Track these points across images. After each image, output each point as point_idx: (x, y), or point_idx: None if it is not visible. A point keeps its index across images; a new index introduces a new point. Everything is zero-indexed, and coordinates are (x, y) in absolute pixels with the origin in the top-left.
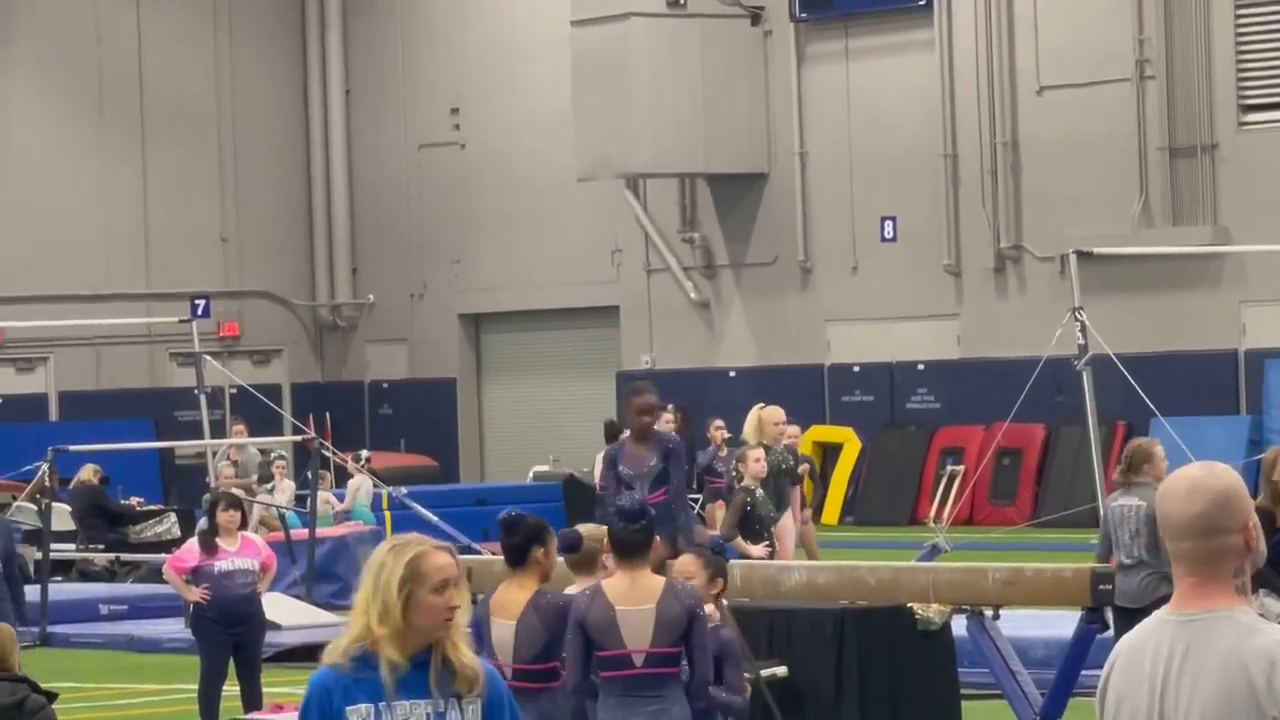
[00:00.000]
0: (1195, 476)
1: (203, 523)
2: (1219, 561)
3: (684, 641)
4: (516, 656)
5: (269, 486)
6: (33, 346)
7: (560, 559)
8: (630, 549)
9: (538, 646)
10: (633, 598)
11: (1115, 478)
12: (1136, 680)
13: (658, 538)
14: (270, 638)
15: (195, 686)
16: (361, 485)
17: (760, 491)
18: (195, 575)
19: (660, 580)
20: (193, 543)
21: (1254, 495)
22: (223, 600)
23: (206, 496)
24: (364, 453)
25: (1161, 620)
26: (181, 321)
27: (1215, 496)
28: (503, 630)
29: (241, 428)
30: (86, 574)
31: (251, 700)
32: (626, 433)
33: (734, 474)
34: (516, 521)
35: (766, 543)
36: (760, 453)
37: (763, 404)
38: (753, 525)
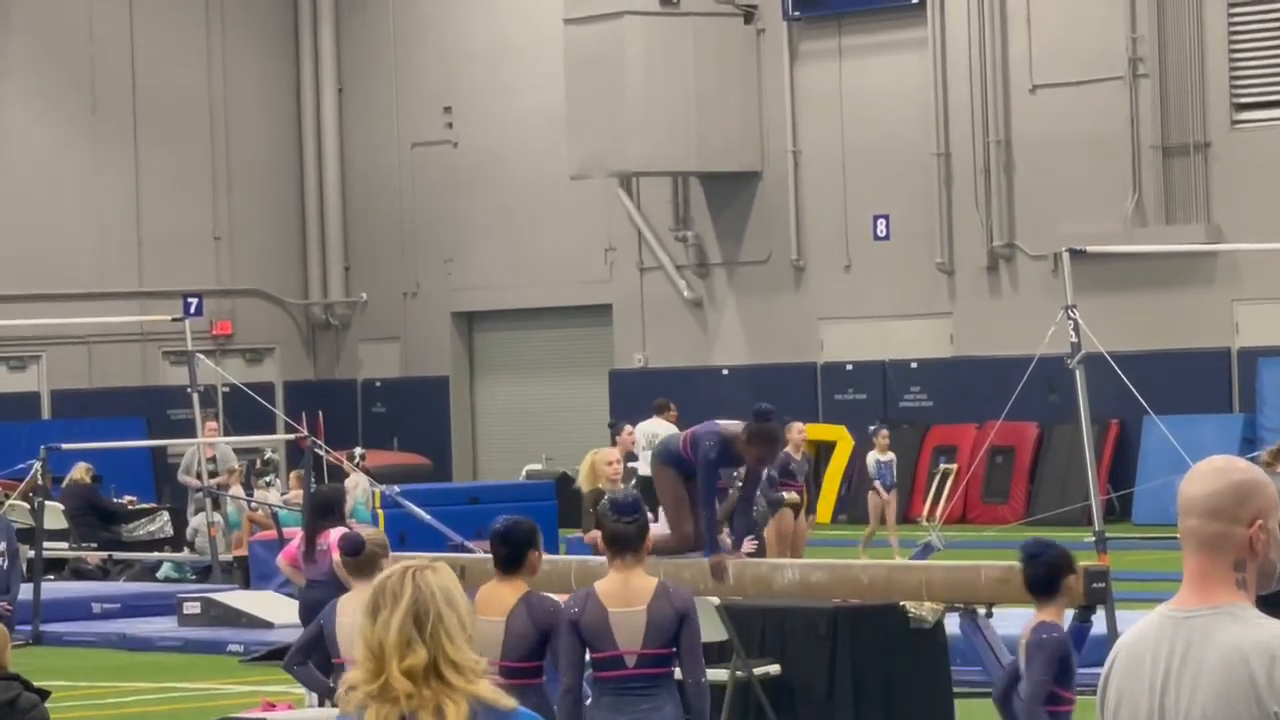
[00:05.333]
0: (1221, 463)
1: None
2: (1218, 548)
3: (675, 643)
4: (505, 655)
5: (266, 481)
6: (25, 345)
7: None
8: (623, 542)
9: (526, 647)
10: (624, 599)
11: (1263, 458)
12: (1136, 677)
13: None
14: (262, 636)
15: (186, 685)
16: (358, 484)
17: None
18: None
19: (652, 581)
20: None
21: None
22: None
23: (199, 494)
24: (359, 450)
25: (1163, 616)
26: (174, 320)
27: (1233, 482)
28: (490, 627)
29: (214, 425)
30: (79, 572)
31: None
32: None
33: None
34: (511, 528)
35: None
36: None
37: (596, 449)
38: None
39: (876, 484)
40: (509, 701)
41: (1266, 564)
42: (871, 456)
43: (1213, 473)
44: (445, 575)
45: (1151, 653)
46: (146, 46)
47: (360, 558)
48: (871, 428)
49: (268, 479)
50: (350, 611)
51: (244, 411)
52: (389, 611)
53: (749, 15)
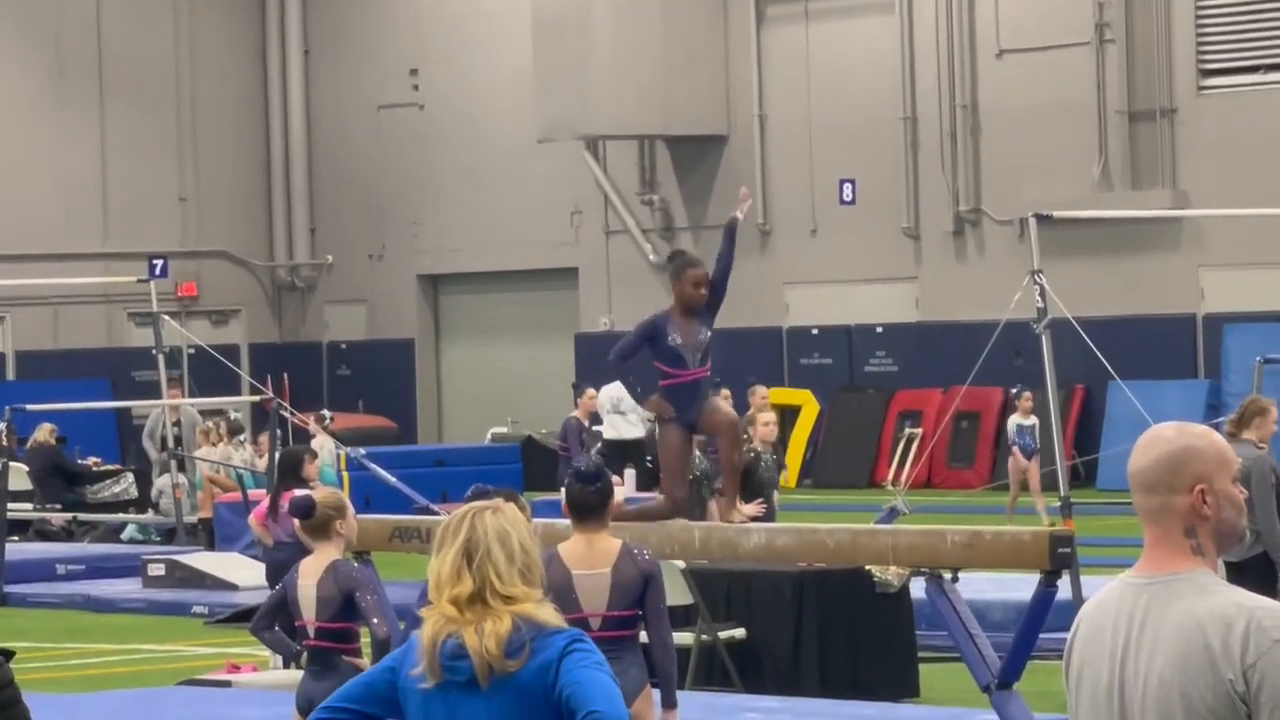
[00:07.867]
0: (1159, 432)
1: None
2: (1161, 520)
3: (640, 605)
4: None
5: (241, 439)
6: None
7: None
8: (586, 510)
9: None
10: (589, 561)
11: (1226, 427)
12: (1098, 644)
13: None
14: (226, 598)
15: (151, 647)
16: (324, 446)
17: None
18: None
19: (616, 543)
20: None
21: None
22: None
23: (163, 455)
24: (326, 413)
25: (1124, 584)
26: (139, 281)
27: (1165, 453)
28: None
29: (176, 390)
30: (44, 534)
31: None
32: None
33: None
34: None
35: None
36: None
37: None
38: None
39: (1015, 449)
40: (558, 621)
41: (1223, 525)
42: (1013, 420)
43: (1145, 446)
44: (505, 517)
45: (1112, 620)
46: (113, 9)
47: (313, 520)
48: (1014, 390)
49: (241, 438)
50: (309, 574)
51: (209, 373)
52: (447, 548)
53: None
